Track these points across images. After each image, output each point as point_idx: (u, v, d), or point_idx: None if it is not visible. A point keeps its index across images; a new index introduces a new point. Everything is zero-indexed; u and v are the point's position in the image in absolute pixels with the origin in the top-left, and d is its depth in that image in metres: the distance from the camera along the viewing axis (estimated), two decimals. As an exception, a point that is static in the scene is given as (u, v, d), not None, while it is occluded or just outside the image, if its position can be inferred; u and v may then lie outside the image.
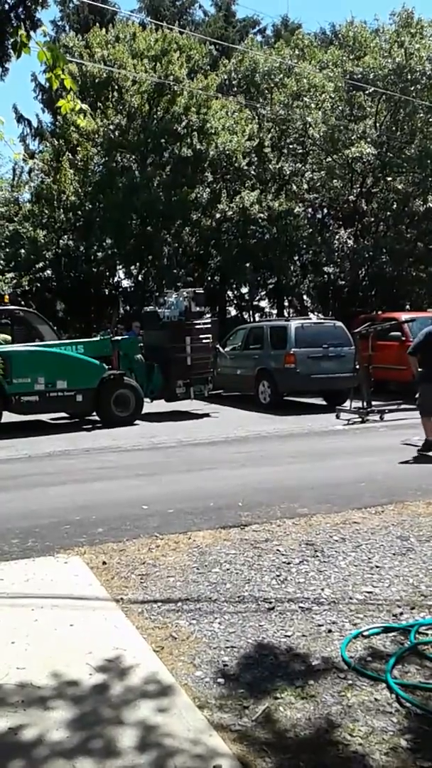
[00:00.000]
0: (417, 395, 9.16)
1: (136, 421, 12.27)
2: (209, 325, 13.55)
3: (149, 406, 13.01)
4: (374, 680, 3.14)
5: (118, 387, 12.15)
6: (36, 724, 2.79)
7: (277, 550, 4.94)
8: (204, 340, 13.29)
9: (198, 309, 13.49)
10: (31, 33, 3.81)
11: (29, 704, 2.94)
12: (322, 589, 4.19)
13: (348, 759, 2.60)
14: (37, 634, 3.61)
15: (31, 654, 3.39)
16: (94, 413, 12.48)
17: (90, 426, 12.20)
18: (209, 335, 13.42)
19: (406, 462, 8.28)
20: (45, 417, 12.73)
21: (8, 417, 11.58)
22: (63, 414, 12.93)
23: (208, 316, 14.05)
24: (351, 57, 20.96)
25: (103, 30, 22.44)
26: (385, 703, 2.96)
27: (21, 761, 2.55)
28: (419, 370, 8.98)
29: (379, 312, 17.51)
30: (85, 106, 5.01)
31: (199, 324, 13.29)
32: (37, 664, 3.28)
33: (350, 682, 3.14)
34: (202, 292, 14.23)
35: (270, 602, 4.02)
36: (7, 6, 3.59)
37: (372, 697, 3.01)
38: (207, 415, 13.38)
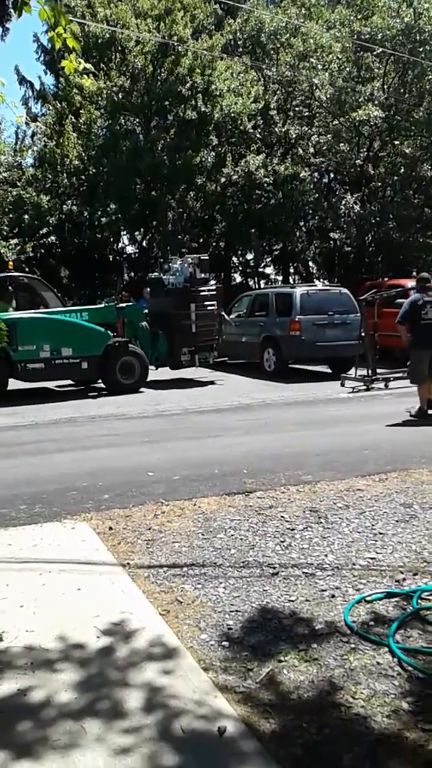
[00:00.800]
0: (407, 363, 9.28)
1: (141, 389, 12.30)
2: (214, 292, 13.47)
3: (154, 374, 13.02)
4: (376, 644, 3.19)
5: (123, 354, 12.15)
6: (44, 686, 2.85)
7: (282, 516, 4.98)
8: (209, 307, 13.22)
9: (203, 276, 13.40)
10: (32, -10, 3.70)
11: (37, 666, 3.00)
12: (326, 555, 4.24)
13: (350, 721, 2.65)
14: (44, 598, 3.67)
15: (39, 617, 3.45)
16: (100, 380, 12.51)
17: (95, 393, 12.23)
18: (214, 302, 13.34)
19: (411, 429, 8.29)
20: (51, 384, 12.75)
21: (14, 384, 11.62)
22: (68, 381, 12.96)
23: (213, 282, 13.96)
24: (359, 17, 20.43)
25: (106, -12, 21.88)
26: (387, 666, 3.01)
27: (29, 722, 2.61)
28: (408, 336, 9.14)
29: (386, 279, 17.37)
30: (89, 66, 4.91)
31: (203, 291, 13.21)
32: (44, 627, 3.34)
33: (353, 646, 3.19)
34: (207, 258, 14.12)
35: (274, 567, 4.07)
36: (7, -37, 3.48)
37: (374, 660, 3.06)
38: (212, 382, 13.39)
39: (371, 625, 3.37)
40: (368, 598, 3.63)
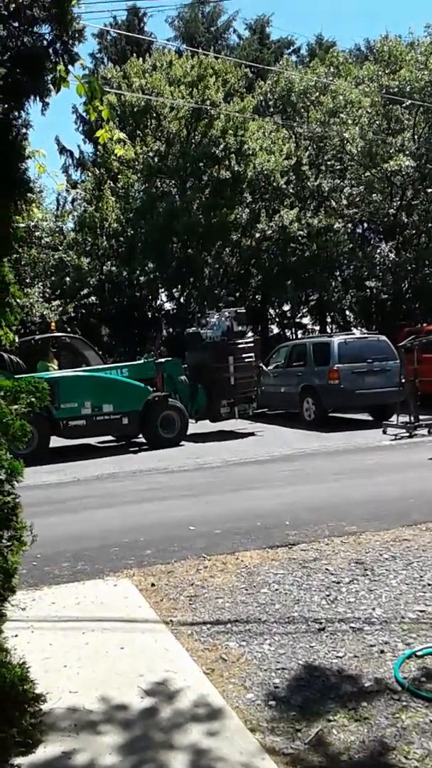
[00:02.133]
0: None
1: (182, 442, 12.32)
2: (251, 344, 13.56)
3: (194, 427, 13.05)
4: (429, 701, 3.06)
5: (163, 409, 12.24)
6: (88, 749, 2.81)
7: (326, 569, 4.88)
8: (247, 359, 13.29)
9: (240, 328, 13.52)
10: (70, 67, 3.91)
11: (81, 728, 2.96)
12: (373, 609, 4.12)
13: (404, 784, 2.54)
14: (88, 658, 3.64)
15: (83, 677, 3.42)
16: (140, 435, 12.59)
17: (136, 448, 12.30)
18: (252, 354, 13.42)
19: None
20: (92, 440, 12.89)
21: (56, 442, 11.78)
22: (109, 437, 13.08)
23: (251, 335, 14.07)
24: (386, 71, 20.95)
25: (140, 59, 22.95)
26: (441, 725, 2.89)
27: (74, 785, 2.57)
28: None
29: (424, 324, 17.26)
30: (122, 135, 5.12)
31: (241, 343, 13.31)
32: (88, 687, 3.30)
33: (404, 703, 3.07)
34: (244, 311, 14.27)
35: (320, 623, 3.97)
36: (45, 42, 3.69)
37: (427, 718, 2.94)
38: (252, 434, 13.36)
39: (423, 681, 3.25)
40: (419, 653, 3.51)
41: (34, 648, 3.73)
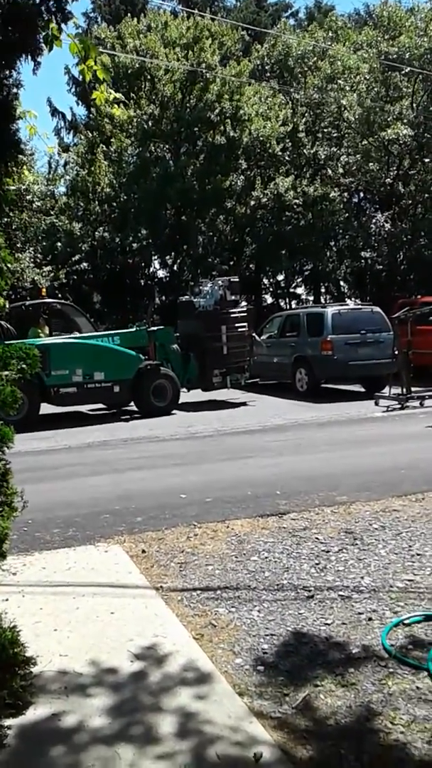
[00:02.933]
0: None
1: (174, 411, 12.33)
2: (245, 314, 13.49)
3: (186, 396, 13.04)
4: (415, 668, 3.10)
5: (155, 377, 12.21)
6: (77, 711, 2.83)
7: (316, 538, 4.91)
8: (240, 329, 13.24)
9: (233, 297, 13.43)
10: (63, 25, 3.79)
11: (71, 691, 2.98)
12: (362, 578, 4.16)
13: (389, 747, 2.58)
14: (78, 622, 3.66)
15: (73, 641, 3.44)
16: (132, 403, 12.58)
17: (128, 416, 12.29)
18: (245, 324, 13.36)
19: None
20: (83, 408, 12.87)
21: (48, 408, 11.75)
22: (101, 405, 13.06)
23: (244, 304, 13.98)
24: (386, 37, 20.54)
25: (135, 20, 22.41)
26: (427, 691, 2.93)
27: (63, 747, 2.59)
28: None
29: (418, 296, 17.22)
30: (119, 96, 5.00)
31: (234, 312, 13.24)
32: (78, 651, 3.33)
33: (391, 670, 3.11)
34: (237, 280, 14.17)
35: (309, 590, 4.00)
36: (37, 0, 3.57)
37: (413, 685, 2.98)
38: (244, 403, 13.37)
39: (410, 648, 3.29)
40: (406, 621, 3.54)
41: (24, 612, 3.75)
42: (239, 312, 13.37)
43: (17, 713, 2.77)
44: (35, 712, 2.82)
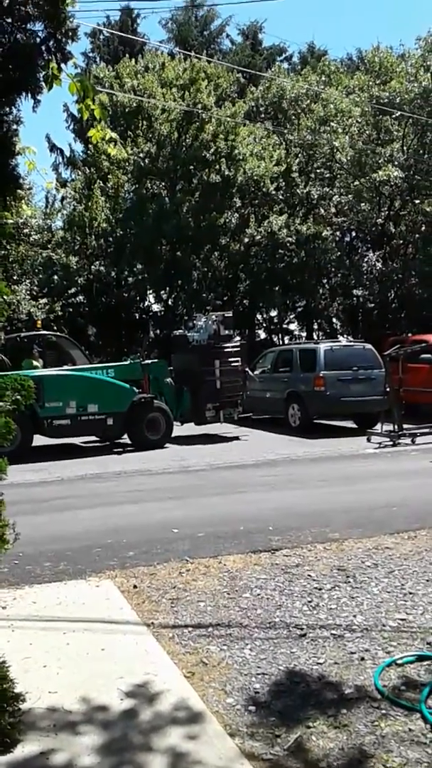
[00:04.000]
0: None
1: (166, 444, 12.31)
2: (238, 348, 13.59)
3: (179, 430, 13.04)
4: (408, 710, 3.08)
5: (148, 410, 12.22)
6: (66, 749, 2.79)
7: (309, 575, 4.89)
8: (233, 364, 13.31)
9: (227, 332, 13.54)
10: (62, 65, 3.91)
11: (60, 729, 2.94)
12: (355, 616, 4.14)
13: (382, 791, 2.55)
14: (68, 658, 3.62)
15: (63, 678, 3.40)
16: (125, 436, 12.56)
17: (121, 449, 12.26)
18: (238, 358, 13.44)
19: (439, 486, 8.16)
20: (76, 440, 12.83)
21: (40, 440, 11.72)
22: (94, 437, 13.03)
23: (237, 339, 14.09)
24: (377, 82, 21.11)
25: (133, 60, 22.94)
26: (420, 733, 2.90)
27: (52, 787, 2.55)
28: None
29: (409, 334, 17.40)
30: (114, 135, 5.11)
31: (227, 347, 13.33)
32: (68, 688, 3.28)
33: (384, 711, 3.08)
34: (231, 315, 14.30)
35: (302, 629, 3.98)
36: (38, 39, 3.69)
37: (406, 727, 2.95)
38: (237, 438, 13.37)
39: (402, 689, 3.26)
40: (399, 662, 3.52)
41: (14, 647, 3.70)
42: (233, 347, 13.46)
43: (5, 750, 2.73)
44: (24, 750, 2.77)
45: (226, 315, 13.97)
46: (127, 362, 13.40)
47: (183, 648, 3.77)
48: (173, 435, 12.59)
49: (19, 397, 3.72)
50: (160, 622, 4.13)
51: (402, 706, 3.11)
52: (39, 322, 15.03)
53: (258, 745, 2.85)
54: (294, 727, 2.98)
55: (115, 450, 12.23)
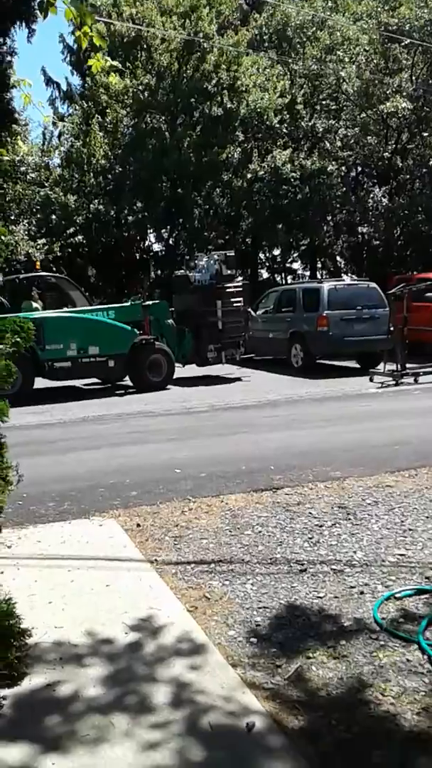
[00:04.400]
0: None
1: (168, 386, 12.33)
2: (240, 289, 13.45)
3: (181, 371, 13.04)
4: (406, 641, 3.15)
5: (150, 352, 12.19)
6: (72, 681, 2.87)
7: (309, 512, 4.95)
8: (235, 304, 13.20)
9: (229, 272, 13.38)
10: (57, -9, 3.72)
11: (66, 662, 3.02)
12: (355, 552, 4.20)
13: (380, 718, 2.62)
14: (73, 595, 3.69)
15: (68, 613, 3.47)
16: (127, 378, 12.57)
17: (122, 391, 12.29)
18: (240, 299, 13.32)
19: (441, 425, 8.18)
20: (78, 383, 12.85)
21: (42, 383, 11.74)
22: (95, 379, 13.05)
23: (240, 279, 13.93)
24: (386, 8, 20.20)
25: (131, -14, 21.96)
26: (417, 664, 2.97)
27: (58, 716, 2.63)
28: None
29: (415, 272, 17.17)
30: (116, 63, 4.91)
31: (230, 287, 13.19)
32: (73, 623, 3.36)
33: (382, 642, 3.15)
34: (233, 254, 14.09)
35: (302, 564, 4.04)
36: (32, -36, 3.50)
37: (404, 657, 3.02)
38: (239, 379, 13.37)
39: (401, 622, 3.33)
40: (398, 595, 3.59)
41: (20, 585, 3.78)
42: (235, 287, 13.32)
43: (13, 683, 2.81)
44: (31, 683, 2.85)
45: (228, 254, 13.77)
46: (128, 303, 13.29)
47: (186, 584, 3.84)
48: (175, 377, 12.59)
49: (18, 339, 3.69)
50: (163, 559, 4.20)
51: (400, 637, 3.18)
52: (38, 263, 14.86)
53: (259, 674, 2.93)
54: (294, 657, 3.05)
55: (117, 392, 12.26)
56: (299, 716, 2.64)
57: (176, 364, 12.73)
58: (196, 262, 14.09)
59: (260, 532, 4.60)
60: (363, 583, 3.75)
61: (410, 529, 4.53)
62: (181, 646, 3.14)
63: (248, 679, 2.89)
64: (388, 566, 3.97)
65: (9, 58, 3.53)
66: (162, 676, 2.89)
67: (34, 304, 12.45)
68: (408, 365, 11.92)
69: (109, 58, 4.81)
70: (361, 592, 3.65)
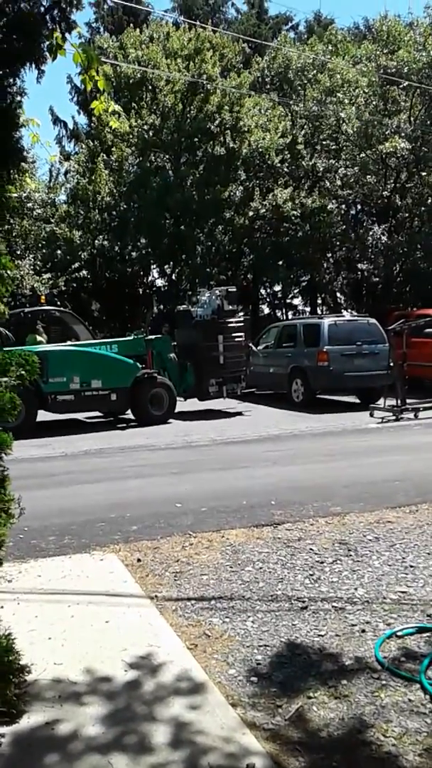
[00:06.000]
0: None
1: (170, 420, 12.34)
2: (242, 324, 13.55)
3: (182, 405, 13.06)
4: (408, 681, 3.12)
5: (152, 386, 12.22)
6: (71, 719, 2.84)
7: (310, 549, 4.93)
8: (236, 339, 13.29)
9: (230, 307, 13.49)
10: (66, 35, 3.84)
11: (65, 699, 2.99)
12: (356, 589, 4.18)
13: (381, 760, 2.59)
14: (73, 630, 3.67)
15: (67, 650, 3.45)
16: (128, 412, 12.58)
17: (124, 425, 12.30)
18: (242, 333, 13.41)
19: (442, 461, 8.18)
20: (80, 416, 12.88)
21: (44, 416, 11.75)
22: (98, 413, 13.07)
23: (241, 314, 14.03)
24: (385, 51, 20.72)
25: (137, 30, 22.58)
26: (419, 704, 2.94)
27: (56, 756, 2.60)
28: None
29: (414, 308, 17.31)
30: (118, 108, 5.05)
31: (231, 322, 13.29)
32: (72, 659, 3.34)
33: (384, 682, 3.12)
34: (235, 290, 14.22)
35: (303, 601, 4.02)
36: (42, 8, 3.62)
37: (406, 697, 3.00)
38: (240, 413, 13.39)
39: (402, 660, 3.30)
40: (399, 633, 3.56)
41: (19, 620, 3.76)
42: (236, 322, 13.43)
43: (11, 721, 2.79)
44: (29, 720, 2.83)
45: (229, 290, 13.89)
46: (131, 337, 13.38)
47: (186, 620, 3.81)
48: (176, 411, 12.61)
49: (23, 372, 3.72)
50: (164, 595, 4.18)
51: (402, 677, 3.15)
52: (43, 297, 15.02)
53: (259, 715, 2.90)
54: (295, 697, 3.03)
55: (119, 425, 12.27)
56: (300, 757, 2.61)
57: (178, 398, 12.76)
58: (198, 297, 14.23)
59: (261, 568, 4.58)
60: (364, 621, 3.73)
61: (411, 566, 4.52)
62: (181, 684, 3.11)
63: (248, 719, 2.86)
64: (390, 604, 3.95)
65: (19, 98, 3.62)
66: (161, 716, 2.86)
67: (38, 338, 12.55)
68: (408, 400, 11.94)
69: (112, 102, 4.95)
70: (363, 630, 3.63)
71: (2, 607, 3.94)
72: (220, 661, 3.35)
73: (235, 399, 14.14)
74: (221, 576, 4.46)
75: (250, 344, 14.12)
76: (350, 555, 4.78)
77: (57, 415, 12.08)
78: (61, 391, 11.49)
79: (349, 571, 4.48)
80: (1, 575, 4.33)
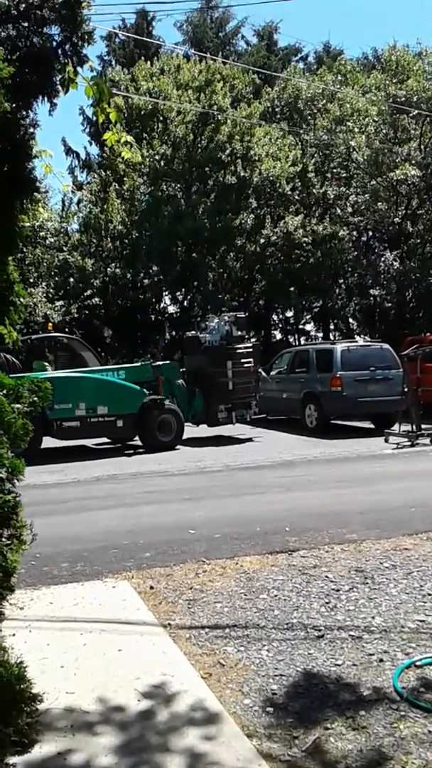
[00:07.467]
0: None
1: (178, 446, 12.28)
2: (251, 350, 13.55)
3: (192, 431, 13.02)
4: (428, 712, 3.04)
5: (159, 412, 12.18)
6: (84, 750, 2.79)
7: (326, 576, 4.86)
8: (245, 365, 13.27)
9: (239, 333, 13.51)
10: (78, 68, 3.93)
11: (77, 729, 2.94)
12: (373, 617, 4.10)
13: (402, 794, 2.52)
14: (85, 659, 3.62)
15: (80, 679, 3.40)
16: (136, 438, 12.54)
17: (131, 451, 12.26)
18: (251, 359, 13.40)
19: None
20: (88, 442, 12.86)
21: (53, 442, 11.73)
22: (105, 439, 13.05)
23: (250, 340, 14.04)
24: (394, 81, 20.99)
25: (148, 63, 23.04)
26: (440, 736, 2.87)
27: (69, 787, 2.55)
28: None
29: (427, 334, 17.26)
30: (130, 138, 5.12)
31: (240, 348, 13.30)
32: (85, 688, 3.28)
33: (402, 713, 3.04)
34: (244, 316, 14.25)
35: (319, 630, 3.95)
36: (54, 43, 3.71)
37: (425, 729, 2.92)
38: (250, 439, 13.33)
39: (422, 691, 3.22)
40: (418, 663, 3.48)
41: (31, 647, 3.71)
42: (245, 348, 13.43)
43: (23, 751, 2.73)
44: (41, 750, 2.78)
45: (238, 316, 13.92)
46: (138, 364, 13.39)
47: (200, 649, 3.75)
48: (186, 437, 12.57)
49: (36, 398, 3.73)
50: (177, 623, 4.12)
51: (421, 707, 3.07)
52: (50, 324, 15.12)
53: (276, 746, 2.83)
54: (312, 728, 2.95)
55: (126, 452, 12.22)
56: (318, 791, 2.54)
57: (187, 424, 12.71)
58: (207, 323, 14.26)
59: (276, 596, 4.52)
60: (382, 650, 3.65)
61: (429, 594, 4.43)
62: (195, 714, 3.05)
63: (264, 750, 2.79)
64: (408, 633, 3.87)
65: (32, 129, 3.69)
66: (175, 746, 2.80)
67: (46, 364, 12.58)
68: (423, 426, 11.85)
69: (124, 133, 5.02)
70: (381, 660, 3.55)
71: (14, 634, 3.90)
72: (235, 691, 3.29)
73: (246, 425, 14.08)
74: (235, 604, 4.40)
75: (260, 370, 14.10)
76: (367, 583, 4.70)
77: (66, 441, 12.06)
78: (66, 418, 11.47)
79: (365, 599, 4.40)
80: (12, 602, 4.29)
